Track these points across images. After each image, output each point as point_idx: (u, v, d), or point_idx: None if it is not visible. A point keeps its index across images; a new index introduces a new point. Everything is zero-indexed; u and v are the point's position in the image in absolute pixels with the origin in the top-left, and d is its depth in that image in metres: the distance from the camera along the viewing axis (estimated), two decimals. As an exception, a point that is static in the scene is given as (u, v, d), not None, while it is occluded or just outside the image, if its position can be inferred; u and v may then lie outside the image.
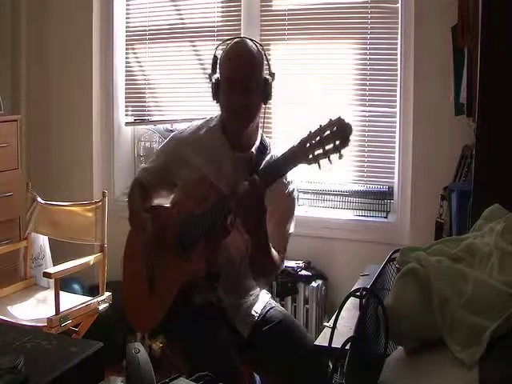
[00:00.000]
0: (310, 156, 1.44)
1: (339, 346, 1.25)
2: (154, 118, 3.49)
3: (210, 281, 1.80)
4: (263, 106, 1.85)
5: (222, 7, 3.25)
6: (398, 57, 2.86)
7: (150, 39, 3.41)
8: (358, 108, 3.01)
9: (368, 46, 2.96)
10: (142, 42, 3.45)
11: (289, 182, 1.88)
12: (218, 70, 1.86)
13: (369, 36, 2.94)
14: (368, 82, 2.97)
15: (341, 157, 1.40)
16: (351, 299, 1.30)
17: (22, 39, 3.49)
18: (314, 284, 2.90)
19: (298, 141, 1.48)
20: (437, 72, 2.67)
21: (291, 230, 1.91)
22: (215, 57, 1.86)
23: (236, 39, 1.89)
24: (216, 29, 3.24)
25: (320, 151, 1.42)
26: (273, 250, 1.78)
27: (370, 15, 2.92)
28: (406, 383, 1.29)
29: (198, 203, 1.78)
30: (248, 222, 1.65)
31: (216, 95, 1.86)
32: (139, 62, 3.50)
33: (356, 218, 3.02)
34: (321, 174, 2.96)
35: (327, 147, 1.41)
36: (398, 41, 2.85)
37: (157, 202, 2.05)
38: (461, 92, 2.38)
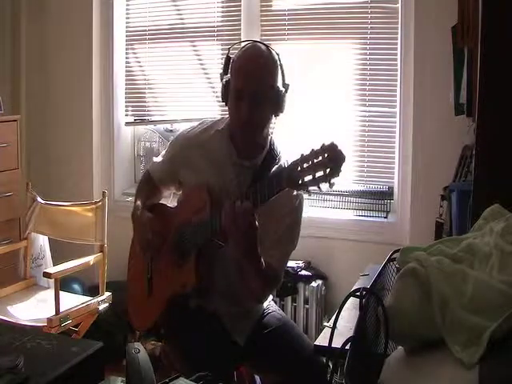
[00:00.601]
0: (300, 182, 1.38)
1: (339, 346, 1.25)
2: (154, 118, 3.49)
3: (200, 293, 1.76)
4: (274, 117, 1.76)
5: (222, 7, 3.25)
6: (398, 57, 2.86)
7: (149, 39, 3.41)
8: (358, 108, 3.02)
9: (368, 46, 2.96)
10: (141, 42, 3.45)
11: (296, 195, 1.75)
12: (229, 72, 1.76)
13: (369, 36, 2.94)
14: (368, 82, 2.98)
15: (331, 186, 1.33)
16: (351, 299, 1.30)
17: (22, 39, 3.49)
18: (313, 284, 2.90)
19: (289, 164, 1.42)
20: (437, 72, 2.67)
21: (294, 245, 1.80)
22: (228, 57, 1.77)
23: (251, 44, 1.77)
24: (216, 29, 3.24)
25: (309, 178, 1.36)
26: (266, 265, 1.67)
27: (370, 15, 2.93)
28: (406, 383, 1.29)
29: (196, 211, 1.72)
30: (235, 241, 1.58)
31: (225, 97, 1.77)
32: (139, 62, 3.50)
33: (356, 218, 3.02)
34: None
35: (317, 174, 1.34)
36: (398, 41, 2.85)
37: (167, 194, 2.04)
38: (461, 92, 2.38)
